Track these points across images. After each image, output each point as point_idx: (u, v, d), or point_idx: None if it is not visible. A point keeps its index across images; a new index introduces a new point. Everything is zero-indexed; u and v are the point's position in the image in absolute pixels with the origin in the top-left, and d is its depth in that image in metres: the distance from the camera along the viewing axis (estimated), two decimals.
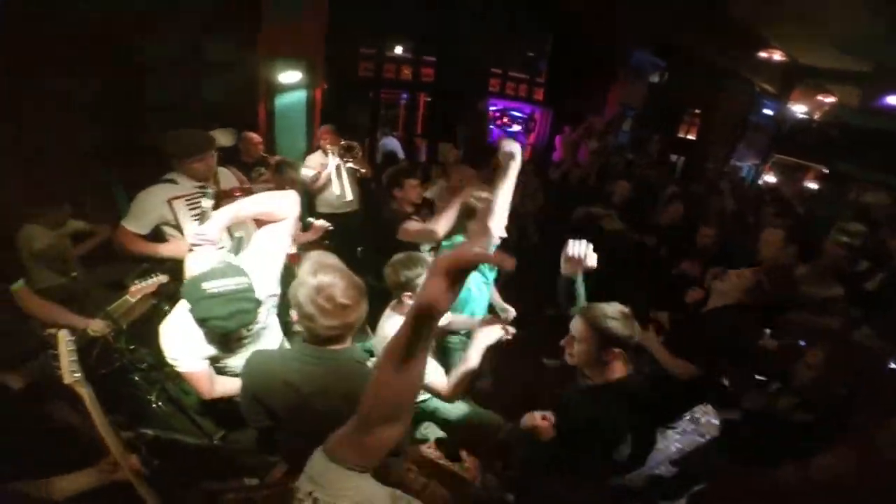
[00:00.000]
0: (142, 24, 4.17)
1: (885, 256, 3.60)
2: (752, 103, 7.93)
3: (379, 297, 3.44)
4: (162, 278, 2.58)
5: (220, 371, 1.93)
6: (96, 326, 2.40)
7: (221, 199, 2.62)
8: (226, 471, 2.35)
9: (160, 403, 2.92)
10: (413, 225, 2.97)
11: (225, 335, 1.76)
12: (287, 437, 1.67)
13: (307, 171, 4.29)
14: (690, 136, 8.27)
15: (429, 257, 2.25)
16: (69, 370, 1.65)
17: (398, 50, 7.41)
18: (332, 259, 1.57)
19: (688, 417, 3.51)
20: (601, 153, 6.47)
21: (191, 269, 1.72)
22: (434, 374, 2.05)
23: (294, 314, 1.50)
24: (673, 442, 3.36)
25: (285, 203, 1.90)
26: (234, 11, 4.51)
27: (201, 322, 1.60)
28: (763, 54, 6.36)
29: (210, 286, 1.57)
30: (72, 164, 4.04)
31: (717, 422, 3.46)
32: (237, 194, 2.73)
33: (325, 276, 1.45)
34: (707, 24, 6.22)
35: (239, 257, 1.85)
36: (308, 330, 1.49)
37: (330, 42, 5.47)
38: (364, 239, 4.49)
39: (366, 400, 0.88)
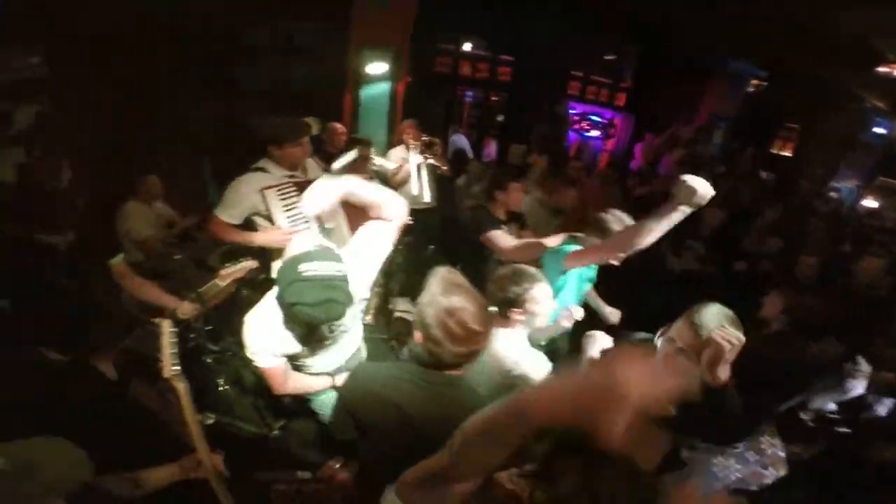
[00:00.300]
0: (237, 7, 4.24)
1: None
2: (861, 120, 7.22)
3: None
4: (251, 263, 2.55)
5: (296, 368, 1.89)
6: (186, 309, 2.37)
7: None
8: (279, 461, 2.36)
9: (227, 387, 2.91)
10: (506, 238, 2.83)
11: (309, 330, 1.68)
12: (373, 452, 1.56)
13: (387, 164, 4.22)
14: (785, 153, 7.64)
15: (532, 269, 2.08)
16: (170, 363, 1.63)
17: (473, 47, 7.26)
18: (461, 278, 1.43)
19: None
20: (686, 164, 6.08)
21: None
22: None
23: (417, 335, 1.39)
24: (733, 471, 3.12)
25: (396, 203, 1.79)
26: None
27: (289, 306, 1.49)
28: (883, 69, 5.76)
29: (306, 268, 1.48)
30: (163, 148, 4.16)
31: (783, 454, 3.21)
32: None
33: (457, 297, 1.34)
34: (818, 37, 5.70)
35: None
36: (430, 353, 1.38)
37: (414, 35, 5.41)
38: (438, 237, 4.40)
39: (454, 457, 0.83)
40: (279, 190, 2.48)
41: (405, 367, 1.48)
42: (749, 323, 2.93)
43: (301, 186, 2.54)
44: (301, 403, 2.12)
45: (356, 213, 2.73)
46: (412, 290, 4.45)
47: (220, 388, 2.89)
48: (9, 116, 3.02)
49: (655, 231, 1.97)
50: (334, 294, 1.50)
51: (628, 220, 2.44)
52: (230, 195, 2.49)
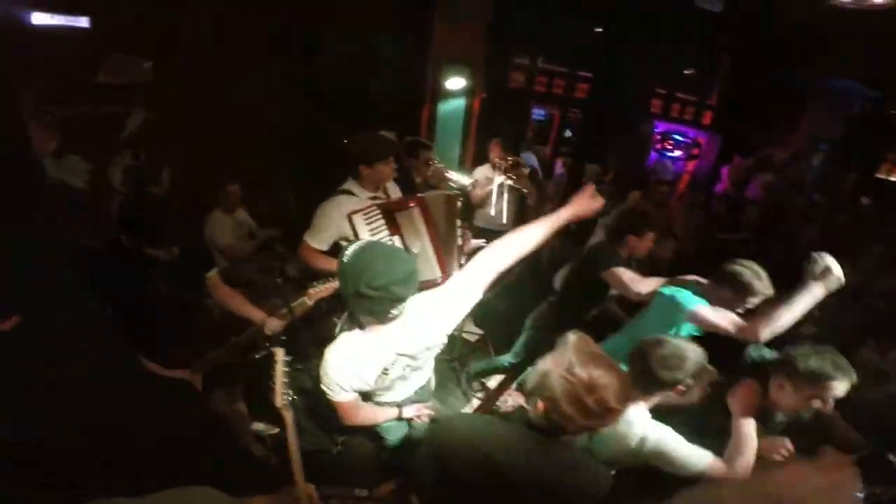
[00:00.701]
0: (321, 13, 4.31)
1: None
2: None
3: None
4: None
5: (365, 397, 1.86)
6: (273, 325, 2.40)
7: (393, 210, 2.54)
8: (337, 477, 2.34)
9: (295, 398, 2.96)
10: (632, 275, 2.66)
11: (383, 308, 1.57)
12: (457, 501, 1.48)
13: (462, 179, 4.16)
14: (893, 178, 6.86)
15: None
16: (282, 392, 1.70)
17: (549, 62, 7.05)
18: (597, 347, 1.32)
19: None
20: (778, 189, 5.62)
21: None
22: (692, 455, 1.70)
23: (539, 405, 1.27)
24: None
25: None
26: (407, 8, 4.50)
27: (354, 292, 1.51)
28: None
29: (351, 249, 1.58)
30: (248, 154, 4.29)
31: (861, 495, 2.82)
32: (411, 205, 2.61)
33: (598, 371, 1.22)
34: None
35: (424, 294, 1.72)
36: (550, 421, 1.26)
37: (490, 50, 5.35)
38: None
39: None
40: (365, 214, 2.43)
41: (512, 427, 1.37)
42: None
43: (384, 208, 2.51)
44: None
45: (441, 239, 2.69)
46: (475, 311, 4.36)
47: (289, 399, 2.93)
48: (122, 121, 3.21)
49: (801, 311, 2.02)
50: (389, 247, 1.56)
51: (766, 281, 2.26)
52: (319, 221, 2.49)
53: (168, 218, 2.01)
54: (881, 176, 6.95)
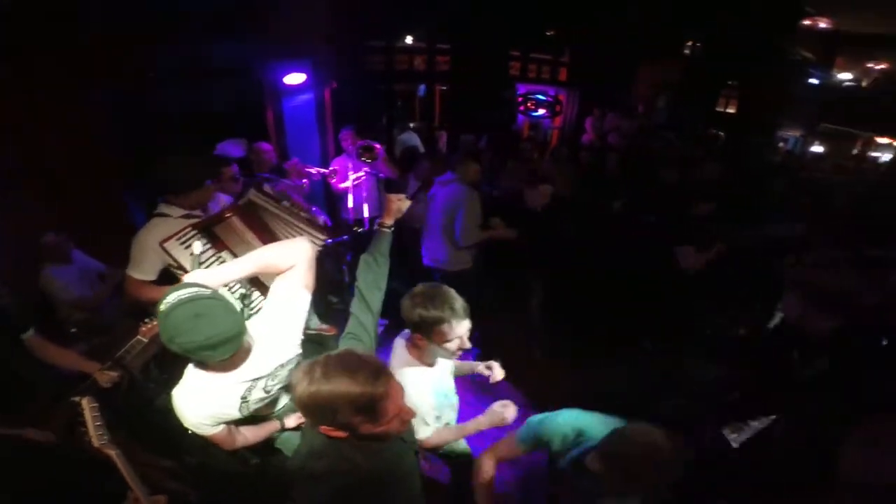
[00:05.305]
0: (147, 32, 3.95)
1: None
2: (793, 73, 7.29)
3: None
4: None
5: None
6: (104, 378, 2.19)
7: (211, 225, 2.36)
8: (266, 497, 2.27)
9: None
10: None
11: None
12: None
13: (323, 170, 4.05)
14: (730, 110, 7.68)
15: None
16: (97, 434, 1.71)
17: (408, 40, 6.97)
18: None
19: None
20: (636, 135, 6.04)
21: None
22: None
23: None
24: None
25: (290, 252, 1.69)
26: (236, 15, 4.25)
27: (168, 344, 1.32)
28: (807, 22, 5.85)
29: (169, 299, 1.31)
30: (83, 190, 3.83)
31: None
32: (227, 215, 2.42)
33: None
34: None
35: (258, 312, 1.68)
36: None
37: (336, 38, 5.19)
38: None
39: None
40: (178, 239, 2.20)
41: None
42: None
43: (200, 227, 2.26)
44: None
45: (281, 230, 2.54)
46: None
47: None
48: None
49: None
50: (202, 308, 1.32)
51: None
52: (135, 252, 2.25)
53: None
54: (721, 110, 7.78)
